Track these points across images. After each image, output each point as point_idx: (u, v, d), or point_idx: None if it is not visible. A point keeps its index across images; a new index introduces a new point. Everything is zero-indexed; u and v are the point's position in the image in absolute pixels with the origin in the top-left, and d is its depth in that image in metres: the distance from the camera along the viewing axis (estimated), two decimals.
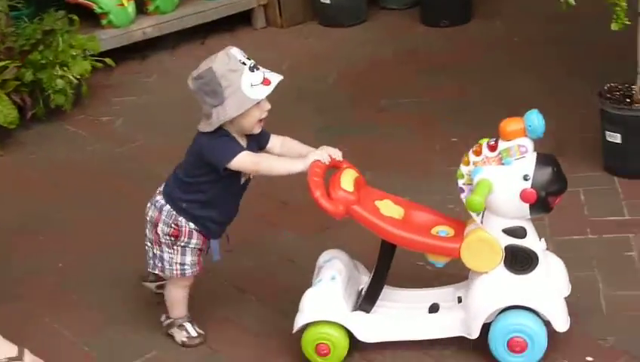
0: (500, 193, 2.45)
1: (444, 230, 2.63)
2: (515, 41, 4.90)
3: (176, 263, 2.80)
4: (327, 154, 2.69)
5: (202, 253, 2.84)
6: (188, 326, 2.90)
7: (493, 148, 2.50)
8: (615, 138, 3.41)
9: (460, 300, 2.66)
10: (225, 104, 2.62)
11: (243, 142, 2.70)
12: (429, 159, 3.75)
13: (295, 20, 5.54)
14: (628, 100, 3.42)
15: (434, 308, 2.69)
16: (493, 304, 2.52)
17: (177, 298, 2.90)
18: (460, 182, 2.56)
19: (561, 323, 2.53)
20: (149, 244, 2.83)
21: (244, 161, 2.66)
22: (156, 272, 2.85)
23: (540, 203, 2.47)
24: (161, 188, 2.78)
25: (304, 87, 4.57)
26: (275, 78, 2.63)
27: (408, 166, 3.69)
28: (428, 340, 2.64)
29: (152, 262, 2.83)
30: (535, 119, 2.45)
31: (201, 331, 2.89)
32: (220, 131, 2.66)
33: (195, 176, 2.73)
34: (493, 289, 2.54)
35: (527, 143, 2.47)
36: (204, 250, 2.84)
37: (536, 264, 2.52)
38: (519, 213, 2.50)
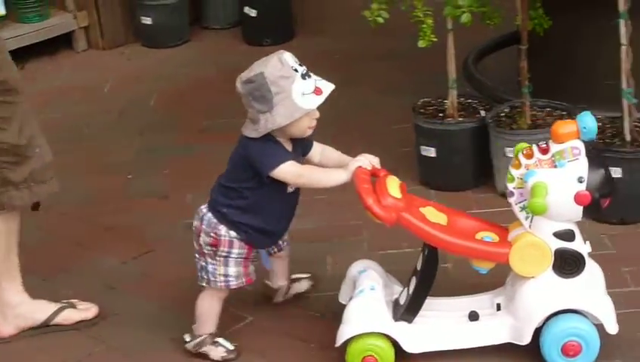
0: (553, 196, 2.44)
1: (488, 236, 2.62)
2: (336, 58, 4.99)
3: (219, 274, 2.73)
4: (368, 160, 2.66)
5: (250, 263, 2.76)
6: (221, 340, 2.81)
7: (545, 151, 2.50)
8: (430, 152, 3.48)
9: (498, 307, 2.65)
10: (274, 111, 2.57)
11: (289, 147, 2.66)
12: None
13: (117, 42, 5.47)
14: (441, 115, 3.52)
15: (473, 316, 2.66)
16: (547, 308, 2.51)
17: (211, 310, 2.80)
18: (510, 186, 2.54)
19: (613, 325, 2.53)
20: (196, 256, 2.77)
21: (287, 171, 2.61)
22: (203, 284, 2.76)
23: (594, 205, 2.48)
24: (207, 202, 2.73)
25: (126, 109, 4.56)
26: (327, 87, 2.59)
27: None
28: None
29: (199, 274, 2.76)
30: (590, 121, 2.45)
31: (235, 344, 2.81)
32: (268, 136, 2.60)
33: (237, 180, 2.68)
34: (544, 293, 2.53)
35: (580, 145, 2.47)
36: (252, 259, 2.76)
37: (584, 267, 2.52)
38: (571, 216, 2.50)
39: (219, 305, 2.78)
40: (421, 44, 3.30)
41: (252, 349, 2.81)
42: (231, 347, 2.80)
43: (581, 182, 2.44)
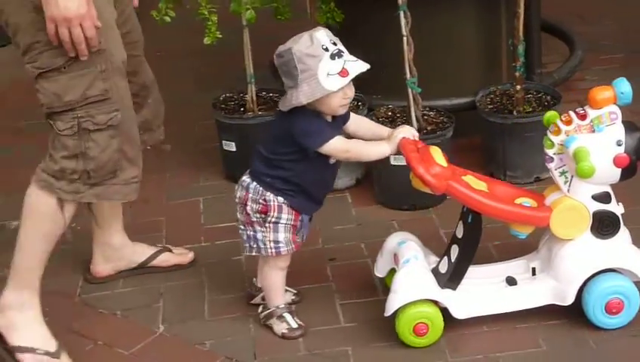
0: (594, 159, 2.46)
1: (527, 201, 2.63)
2: (158, 55, 4.94)
3: (269, 241, 2.70)
4: (410, 132, 2.67)
5: (297, 230, 2.74)
6: (288, 317, 2.78)
7: (583, 117, 2.52)
8: (231, 146, 3.53)
9: (534, 271, 2.69)
10: (299, 88, 2.54)
11: (330, 119, 2.64)
12: None
13: None
14: (242, 109, 3.56)
15: (511, 281, 2.69)
16: (588, 269, 2.56)
17: (276, 282, 2.78)
18: (550, 152, 2.57)
19: None
20: (242, 227, 2.75)
21: (335, 147, 2.60)
22: (253, 254, 2.76)
23: (631, 167, 2.53)
24: (248, 171, 2.72)
25: None
26: (356, 68, 2.53)
27: None
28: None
29: (247, 244, 2.74)
30: (626, 86, 2.49)
31: (301, 322, 2.77)
32: (311, 111, 2.58)
33: (279, 153, 2.65)
34: (585, 255, 2.58)
35: (617, 110, 2.51)
36: (299, 226, 2.74)
37: (619, 227, 2.58)
38: (610, 179, 2.55)
39: (281, 277, 2.77)
40: (206, 40, 3.34)
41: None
42: (294, 325, 2.77)
43: (620, 145, 2.50)
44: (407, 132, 2.67)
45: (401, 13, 3.19)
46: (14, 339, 2.68)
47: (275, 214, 2.67)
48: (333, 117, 2.64)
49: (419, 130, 3.21)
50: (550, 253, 2.66)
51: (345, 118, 2.71)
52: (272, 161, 2.65)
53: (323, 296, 2.91)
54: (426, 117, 3.39)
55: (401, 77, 3.28)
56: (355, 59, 2.55)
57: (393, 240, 2.78)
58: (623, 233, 2.63)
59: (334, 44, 2.55)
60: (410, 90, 3.27)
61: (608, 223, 2.58)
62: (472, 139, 3.57)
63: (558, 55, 4.35)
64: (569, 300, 2.58)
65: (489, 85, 3.59)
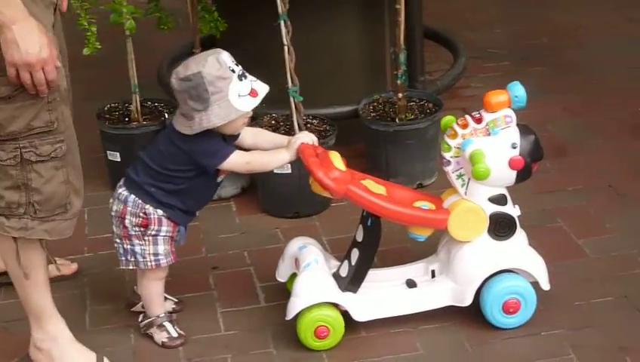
0: (490, 162, 2.52)
1: (425, 204, 2.68)
2: None
3: (149, 254, 2.72)
4: (309, 137, 2.71)
5: (174, 242, 2.78)
6: (168, 325, 2.80)
7: (479, 121, 2.58)
8: (115, 157, 3.55)
9: (433, 274, 2.74)
10: (209, 111, 2.56)
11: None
12: None
13: None
14: (127, 119, 3.57)
15: (411, 284, 2.74)
16: (486, 270, 2.62)
17: (155, 292, 2.80)
18: (447, 155, 2.61)
19: (546, 281, 2.67)
20: (117, 241, 2.74)
21: (236, 161, 2.65)
22: (130, 267, 2.76)
23: (526, 169, 2.59)
24: (121, 183, 2.71)
25: None
26: (263, 89, 2.60)
27: None
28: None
29: (124, 258, 2.74)
30: (521, 90, 2.55)
31: (181, 331, 2.79)
32: (211, 131, 2.61)
33: (170, 170, 2.66)
34: (482, 256, 2.64)
35: (512, 114, 2.57)
36: (175, 238, 2.78)
37: (516, 228, 2.64)
38: (506, 181, 2.61)
39: (160, 286, 2.79)
40: (86, 51, 3.33)
41: None
42: (174, 334, 2.79)
43: (514, 148, 2.56)
44: (306, 137, 2.71)
45: (282, 23, 3.22)
46: None
47: (156, 227, 2.68)
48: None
49: None
50: (449, 255, 2.71)
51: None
52: (160, 173, 2.66)
53: (204, 304, 2.92)
54: (309, 125, 3.42)
55: (284, 86, 3.32)
56: (255, 78, 2.61)
57: (294, 245, 2.80)
58: (520, 234, 2.69)
59: (237, 65, 2.60)
60: (292, 99, 3.30)
61: (505, 225, 2.64)
62: (356, 147, 3.58)
63: (443, 63, 4.42)
64: (467, 301, 2.64)
65: (373, 93, 3.65)
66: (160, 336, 2.79)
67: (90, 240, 3.33)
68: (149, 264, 2.71)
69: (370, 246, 2.69)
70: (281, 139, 2.80)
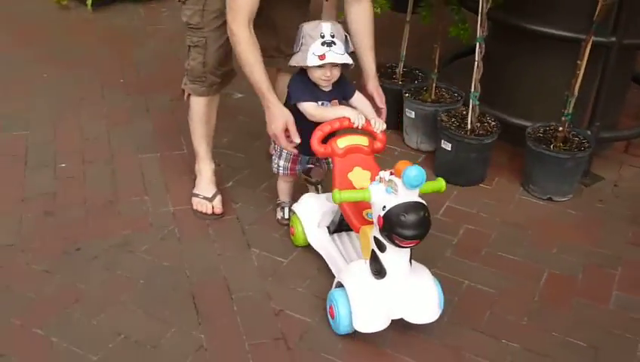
0: (374, 206, 2.81)
1: (370, 213, 2.92)
2: None
3: (275, 163, 3.49)
4: (363, 119, 3.10)
5: (297, 163, 3.46)
6: (286, 209, 3.67)
7: (392, 175, 2.76)
8: None
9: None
10: (296, 54, 3.07)
11: (327, 88, 3.17)
12: None
13: None
14: None
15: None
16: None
17: (281, 188, 3.69)
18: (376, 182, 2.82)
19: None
20: (272, 152, 3.54)
21: (305, 109, 3.14)
22: (274, 171, 3.56)
23: (386, 234, 2.74)
24: None
25: None
26: (331, 58, 2.99)
27: None
28: None
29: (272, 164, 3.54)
30: (411, 173, 2.66)
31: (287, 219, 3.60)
32: (307, 76, 3.14)
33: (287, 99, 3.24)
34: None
35: (399, 185, 2.69)
36: (299, 161, 3.45)
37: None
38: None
39: (286, 185, 3.64)
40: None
41: None
42: (286, 216, 3.65)
43: (383, 209, 2.71)
44: (356, 117, 3.10)
45: (477, 44, 3.96)
46: (194, 190, 3.91)
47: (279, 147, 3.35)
48: (333, 88, 3.16)
49: (472, 130, 4.16)
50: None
51: (345, 92, 3.23)
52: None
53: None
54: (484, 123, 4.27)
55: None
56: (340, 52, 3.01)
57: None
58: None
59: (332, 36, 3.00)
60: (470, 101, 4.12)
61: (375, 263, 2.91)
62: (516, 149, 4.43)
63: None
64: None
65: (552, 121, 4.20)
66: (278, 214, 3.70)
67: None
68: (274, 170, 3.52)
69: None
70: (368, 111, 3.21)
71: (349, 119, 3.07)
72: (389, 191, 2.71)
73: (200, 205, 3.82)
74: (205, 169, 3.90)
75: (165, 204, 3.98)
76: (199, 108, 3.73)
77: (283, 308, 3.27)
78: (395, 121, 4.71)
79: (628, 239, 3.89)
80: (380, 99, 3.38)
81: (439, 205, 4.08)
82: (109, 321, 3.14)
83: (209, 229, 3.78)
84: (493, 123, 4.30)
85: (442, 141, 4.25)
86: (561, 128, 4.10)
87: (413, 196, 2.71)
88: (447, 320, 3.19)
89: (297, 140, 3.10)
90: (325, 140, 3.15)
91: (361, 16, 3.34)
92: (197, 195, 3.86)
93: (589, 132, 4.26)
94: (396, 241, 2.70)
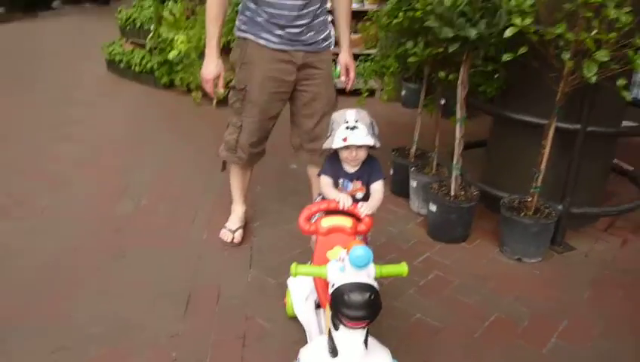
0: (329, 283, 2.75)
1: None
2: None
3: None
4: (349, 204, 3.19)
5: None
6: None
7: (347, 253, 2.69)
8: None
9: None
10: (328, 138, 3.29)
11: (351, 169, 3.36)
12: None
13: None
14: None
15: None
16: None
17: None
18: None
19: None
20: None
21: (321, 180, 3.41)
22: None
23: (334, 312, 2.65)
24: None
25: None
26: (352, 140, 3.18)
27: None
28: None
29: None
30: (356, 252, 2.63)
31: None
32: (337, 155, 3.37)
33: None
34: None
35: (347, 264, 2.66)
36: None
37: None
38: (327, 297, 2.74)
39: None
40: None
41: None
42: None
43: (332, 286, 2.67)
44: (344, 200, 3.19)
45: (457, 125, 4.56)
46: (225, 223, 4.75)
47: None
48: (359, 170, 3.34)
49: (455, 196, 4.73)
50: None
51: (370, 177, 3.36)
52: None
53: None
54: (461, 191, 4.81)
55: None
56: (362, 135, 3.15)
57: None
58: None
59: (356, 121, 3.19)
60: (453, 172, 4.71)
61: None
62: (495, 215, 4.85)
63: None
64: None
65: (528, 195, 4.54)
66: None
67: None
68: None
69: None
70: (369, 201, 3.30)
71: (336, 202, 3.22)
72: (342, 268, 2.69)
73: (224, 235, 4.71)
74: (237, 209, 4.79)
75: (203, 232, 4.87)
76: (234, 169, 4.64)
77: (254, 315, 3.89)
78: (405, 190, 5.52)
79: (582, 299, 4.13)
80: (351, 68, 4.20)
81: (419, 254, 4.63)
82: (110, 305, 3.97)
83: (225, 253, 4.63)
84: (475, 192, 4.85)
85: (430, 203, 4.90)
86: (530, 199, 4.55)
87: (362, 276, 2.64)
88: (388, 343, 3.05)
89: (221, 90, 3.91)
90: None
91: (341, 3, 4.21)
92: (225, 227, 4.75)
93: (560, 206, 4.70)
94: (342, 321, 2.62)
